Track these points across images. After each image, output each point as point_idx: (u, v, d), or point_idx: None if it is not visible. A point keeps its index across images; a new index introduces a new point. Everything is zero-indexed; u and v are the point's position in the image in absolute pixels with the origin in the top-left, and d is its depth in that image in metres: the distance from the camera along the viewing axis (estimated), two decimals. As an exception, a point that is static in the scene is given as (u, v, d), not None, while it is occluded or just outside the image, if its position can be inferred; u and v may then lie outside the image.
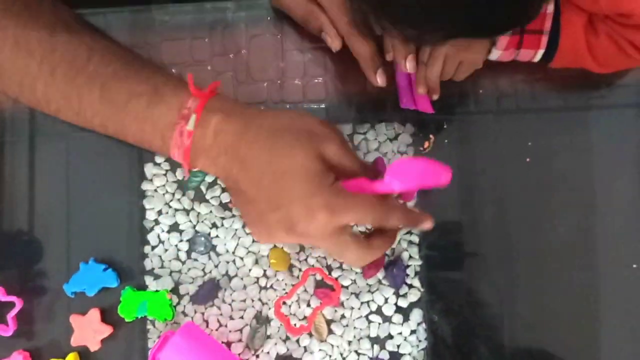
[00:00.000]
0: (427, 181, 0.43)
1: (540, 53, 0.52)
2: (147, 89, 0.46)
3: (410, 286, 0.55)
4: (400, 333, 0.55)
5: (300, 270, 0.56)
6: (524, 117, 0.56)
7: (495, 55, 0.53)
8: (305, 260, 0.56)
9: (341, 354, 0.55)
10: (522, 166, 0.55)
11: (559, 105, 0.56)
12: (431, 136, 0.56)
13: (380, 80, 0.53)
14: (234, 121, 0.45)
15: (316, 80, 0.58)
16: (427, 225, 0.47)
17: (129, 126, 0.47)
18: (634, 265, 0.54)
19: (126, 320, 0.55)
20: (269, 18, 0.58)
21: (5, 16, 0.47)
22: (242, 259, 0.56)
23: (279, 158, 0.44)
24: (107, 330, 0.55)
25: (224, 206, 0.57)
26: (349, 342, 0.55)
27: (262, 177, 0.44)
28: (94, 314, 0.55)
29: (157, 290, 0.55)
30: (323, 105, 0.57)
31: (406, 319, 0.55)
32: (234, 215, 0.57)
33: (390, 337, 0.55)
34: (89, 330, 0.55)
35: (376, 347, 0.55)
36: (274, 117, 0.46)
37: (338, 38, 0.53)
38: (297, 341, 0.55)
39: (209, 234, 0.57)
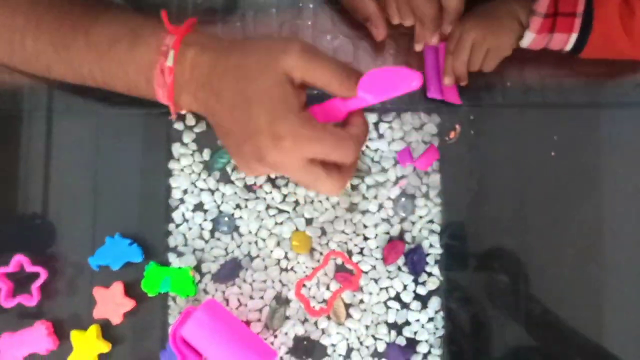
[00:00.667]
0: (399, 88, 0.43)
1: (574, 38, 0.53)
2: (126, 31, 0.47)
3: (430, 274, 0.56)
4: (418, 320, 0.56)
5: (321, 254, 0.57)
6: (550, 111, 0.57)
7: (528, 39, 0.53)
8: (327, 244, 0.57)
9: (358, 338, 0.56)
10: (546, 160, 0.56)
11: (585, 101, 0.57)
12: (457, 126, 0.57)
13: (435, 40, 0.56)
14: (207, 54, 0.45)
15: (344, 68, 0.59)
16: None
17: (115, 72, 0.48)
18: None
19: (149, 295, 0.56)
20: (300, 5, 0.59)
21: None
22: (264, 240, 0.57)
23: (245, 86, 0.44)
24: (129, 304, 0.56)
25: (249, 188, 0.58)
26: (367, 327, 0.56)
27: (234, 107, 0.45)
28: (118, 287, 0.56)
29: (180, 267, 0.56)
30: (350, 93, 0.58)
31: (424, 306, 0.56)
32: (257, 197, 0.58)
33: (407, 323, 0.56)
34: (111, 303, 0.55)
35: (393, 332, 0.56)
36: (242, 46, 0.46)
37: (385, 28, 0.54)
38: (315, 323, 0.56)
39: (233, 214, 0.58)
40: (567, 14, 0.52)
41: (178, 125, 0.58)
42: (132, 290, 0.56)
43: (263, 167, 0.45)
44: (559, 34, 0.53)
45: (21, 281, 0.56)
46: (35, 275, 0.56)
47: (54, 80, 0.57)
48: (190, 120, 0.58)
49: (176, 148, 0.58)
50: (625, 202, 0.56)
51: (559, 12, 0.52)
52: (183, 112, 0.50)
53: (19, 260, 0.56)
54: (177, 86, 0.47)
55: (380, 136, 0.57)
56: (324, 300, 0.56)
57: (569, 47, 0.54)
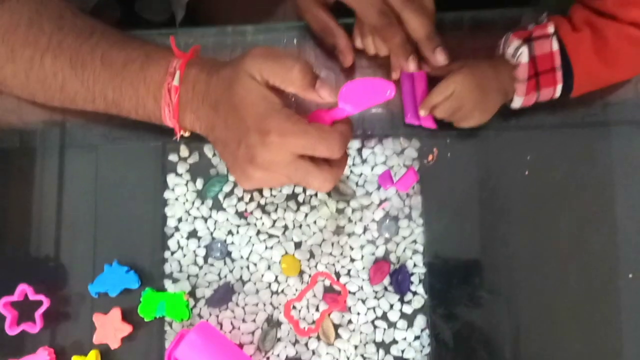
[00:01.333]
0: (375, 98, 0.47)
1: (559, 88, 0.55)
2: (140, 54, 0.53)
3: (415, 293, 0.58)
4: (405, 338, 0.57)
5: (310, 276, 0.59)
6: (522, 133, 0.59)
7: (518, 102, 0.56)
8: (315, 266, 0.59)
9: (348, 358, 0.58)
10: (521, 179, 0.58)
11: (555, 123, 0.59)
12: (435, 150, 0.59)
13: (412, 66, 0.56)
14: (205, 71, 0.51)
15: (328, 99, 0.62)
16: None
17: (125, 90, 0.53)
18: (630, 275, 0.56)
19: (145, 320, 0.58)
20: (284, 40, 0.63)
21: (20, 2, 0.55)
22: (255, 264, 0.60)
23: (231, 95, 0.48)
24: (127, 329, 0.58)
25: (240, 215, 0.60)
26: (355, 347, 0.58)
27: (227, 115, 0.49)
28: (116, 313, 0.58)
29: (175, 292, 0.58)
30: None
31: (410, 324, 0.57)
32: (248, 223, 0.60)
33: (395, 342, 0.57)
34: (110, 328, 0.58)
35: (381, 351, 0.57)
36: (227, 62, 0.51)
37: (351, 54, 0.58)
38: (306, 344, 0.58)
39: (225, 240, 0.60)
40: (546, 71, 0.54)
41: (173, 157, 0.62)
42: (129, 315, 0.59)
43: (255, 169, 0.48)
44: (546, 89, 0.55)
45: (25, 309, 0.59)
46: (39, 303, 0.58)
47: (55, 117, 0.61)
48: (184, 152, 0.62)
49: (171, 178, 0.61)
50: (597, 216, 0.58)
51: (539, 71, 0.54)
52: (186, 134, 0.54)
53: (23, 290, 0.59)
54: (181, 104, 0.51)
55: (364, 161, 0.60)
56: (314, 322, 0.58)
57: (557, 95, 0.56)
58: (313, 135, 0.46)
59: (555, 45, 0.54)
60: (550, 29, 0.55)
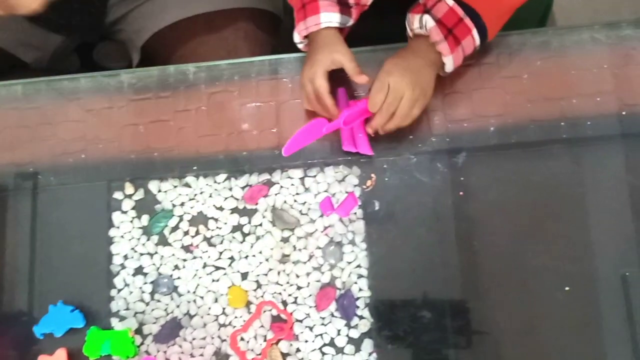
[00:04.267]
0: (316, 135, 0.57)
1: (476, 33, 0.58)
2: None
3: (361, 317, 0.58)
4: (353, 363, 0.57)
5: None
6: (456, 155, 0.61)
7: (450, 63, 0.58)
8: (262, 296, 0.59)
9: (298, 387, 0.57)
10: (456, 200, 0.60)
11: (486, 145, 0.61)
12: (372, 175, 0.61)
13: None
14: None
15: (271, 130, 0.63)
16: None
17: None
18: (566, 288, 0.58)
19: (90, 359, 0.57)
20: (225, 77, 0.65)
21: None
22: (202, 297, 0.60)
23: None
24: (72, 369, 0.57)
25: (186, 248, 0.61)
26: (305, 375, 0.57)
27: None
28: (61, 353, 0.57)
29: (120, 330, 0.58)
30: (277, 152, 0.62)
31: (358, 349, 0.58)
32: (195, 257, 0.61)
33: (343, 368, 0.57)
34: (55, 370, 0.57)
35: (331, 378, 0.57)
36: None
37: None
38: (255, 376, 0.58)
39: (172, 275, 0.60)
40: (456, 23, 0.57)
41: (118, 195, 0.62)
42: (76, 356, 0.58)
43: None
44: (465, 40, 0.58)
45: (-33, 355, 0.58)
46: (-19, 349, 0.58)
47: None
48: (130, 189, 0.62)
49: (116, 216, 0.62)
50: (531, 232, 0.59)
51: (450, 27, 0.57)
52: None
53: (-34, 335, 0.58)
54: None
55: (306, 189, 0.61)
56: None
57: (478, 42, 0.59)
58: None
59: (449, 1, 0.58)
60: None
